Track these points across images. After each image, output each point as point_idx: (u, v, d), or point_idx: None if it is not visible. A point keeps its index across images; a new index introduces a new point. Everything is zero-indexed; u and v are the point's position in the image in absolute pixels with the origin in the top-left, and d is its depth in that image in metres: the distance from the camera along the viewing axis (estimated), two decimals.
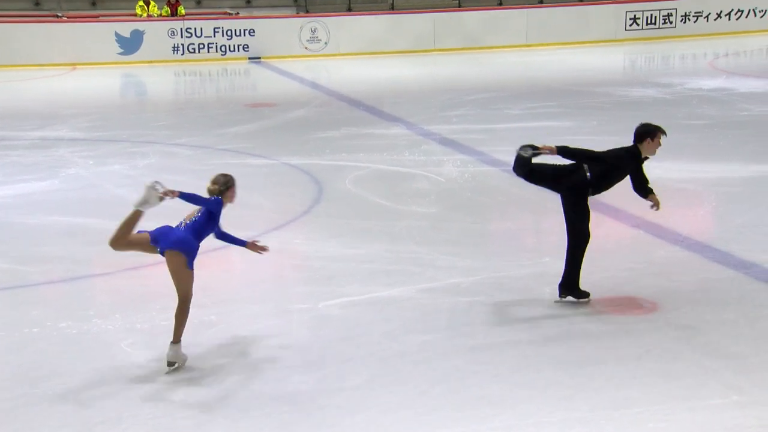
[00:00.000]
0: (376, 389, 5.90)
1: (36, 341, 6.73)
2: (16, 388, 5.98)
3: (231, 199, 6.41)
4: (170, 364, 6.16)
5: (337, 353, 6.44)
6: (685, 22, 26.00)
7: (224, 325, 6.96)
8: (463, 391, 5.84)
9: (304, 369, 6.20)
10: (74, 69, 22.64)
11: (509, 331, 6.77)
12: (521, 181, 7.20)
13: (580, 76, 20.12)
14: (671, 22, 26.01)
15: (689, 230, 9.15)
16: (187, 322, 6.20)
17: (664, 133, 7.12)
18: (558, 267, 7.33)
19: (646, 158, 7.13)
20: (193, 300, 7.07)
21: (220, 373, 6.13)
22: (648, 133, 7.06)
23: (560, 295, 7.22)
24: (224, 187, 6.34)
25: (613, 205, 10.07)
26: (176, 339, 6.15)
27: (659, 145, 7.11)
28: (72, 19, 23.88)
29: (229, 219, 9.64)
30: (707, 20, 26.06)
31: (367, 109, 16.73)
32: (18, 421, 5.55)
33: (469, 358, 6.32)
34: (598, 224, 9.69)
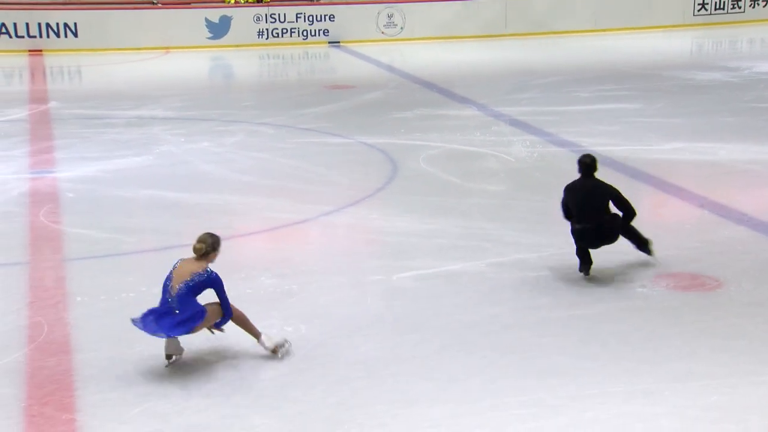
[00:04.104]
0: (445, 358, 5.90)
1: (132, 305, 6.87)
2: (113, 347, 6.15)
3: (212, 260, 5.88)
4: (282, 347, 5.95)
5: (409, 323, 6.44)
6: (754, 7, 25.08)
7: (304, 294, 7.02)
8: (529, 362, 5.80)
9: (378, 337, 6.23)
10: (167, 52, 23.00)
11: (573, 305, 6.68)
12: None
13: (647, 60, 19.62)
14: (740, 7, 25.11)
15: (754, 210, 8.88)
16: (263, 294, 6.37)
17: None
18: (618, 243, 7.22)
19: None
20: (274, 270, 7.22)
21: (300, 340, 6.19)
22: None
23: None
24: (211, 248, 5.88)
25: (677, 185, 9.84)
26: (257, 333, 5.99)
27: None
28: (166, 6, 24.26)
29: (308, 195, 9.78)
30: None
31: (439, 91, 16.62)
32: (115, 377, 5.71)
33: (535, 331, 6.26)
34: (663, 203, 9.53)
